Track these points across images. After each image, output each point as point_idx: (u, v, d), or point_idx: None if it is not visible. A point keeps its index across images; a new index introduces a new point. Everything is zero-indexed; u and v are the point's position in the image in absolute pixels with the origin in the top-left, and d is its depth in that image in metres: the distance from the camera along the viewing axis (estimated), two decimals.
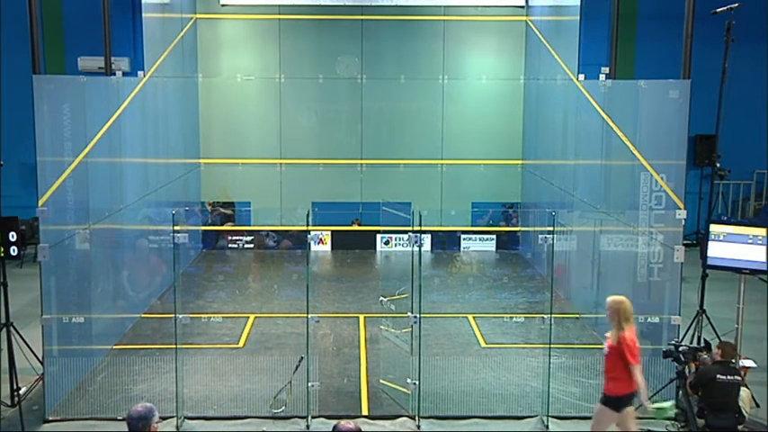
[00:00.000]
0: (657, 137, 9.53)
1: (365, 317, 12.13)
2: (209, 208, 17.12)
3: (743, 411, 8.25)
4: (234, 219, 17.56)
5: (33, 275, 8.95)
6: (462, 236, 17.26)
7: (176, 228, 8.47)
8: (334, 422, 5.41)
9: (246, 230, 17.34)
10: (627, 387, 6.92)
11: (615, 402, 7.04)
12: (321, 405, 8.68)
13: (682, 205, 8.92)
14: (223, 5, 17.13)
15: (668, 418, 7.59)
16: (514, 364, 10.12)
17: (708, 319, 9.61)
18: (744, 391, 8.40)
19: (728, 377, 8.09)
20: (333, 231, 17.12)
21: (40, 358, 8.92)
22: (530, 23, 16.73)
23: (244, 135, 17.58)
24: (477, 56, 17.60)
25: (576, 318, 12.03)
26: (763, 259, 8.91)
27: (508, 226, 17.57)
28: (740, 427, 8.20)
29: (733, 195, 18.16)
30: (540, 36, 15.54)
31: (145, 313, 12.19)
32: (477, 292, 13.95)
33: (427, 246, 16.78)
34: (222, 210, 17.33)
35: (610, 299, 7.21)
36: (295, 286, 13.72)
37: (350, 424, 5.32)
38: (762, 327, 10.24)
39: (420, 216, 8.57)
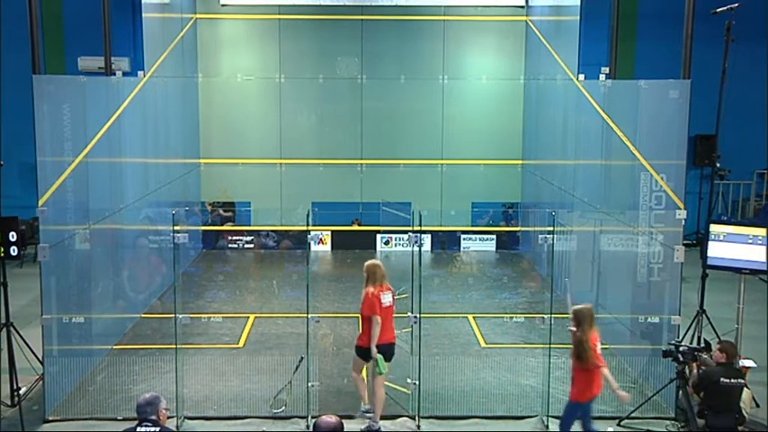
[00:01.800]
0: (657, 137, 9.52)
1: None
2: (209, 208, 17.12)
3: (743, 412, 8.24)
4: (234, 219, 17.56)
5: (33, 275, 8.96)
6: (462, 236, 17.26)
7: (176, 228, 8.47)
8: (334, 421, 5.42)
9: (246, 230, 17.35)
10: (368, 341, 8.22)
11: (360, 352, 8.36)
12: (321, 405, 8.68)
13: (682, 205, 8.92)
14: (223, 5, 17.12)
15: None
16: (514, 364, 10.12)
17: (708, 319, 9.61)
18: (744, 392, 8.38)
19: (732, 380, 8.05)
20: (333, 231, 17.12)
21: (40, 358, 8.92)
22: (530, 23, 16.73)
23: (244, 135, 17.58)
24: (477, 56, 17.59)
25: None
26: (763, 259, 8.91)
27: (508, 226, 17.57)
28: (740, 428, 8.19)
29: (733, 195, 18.15)
30: (540, 36, 15.54)
31: (145, 313, 12.19)
32: (477, 292, 13.94)
33: (427, 246, 16.77)
34: (222, 212, 17.32)
35: (367, 262, 8.47)
36: (295, 286, 13.72)
37: (331, 418, 5.36)
38: (762, 327, 10.24)
39: (420, 216, 8.57)
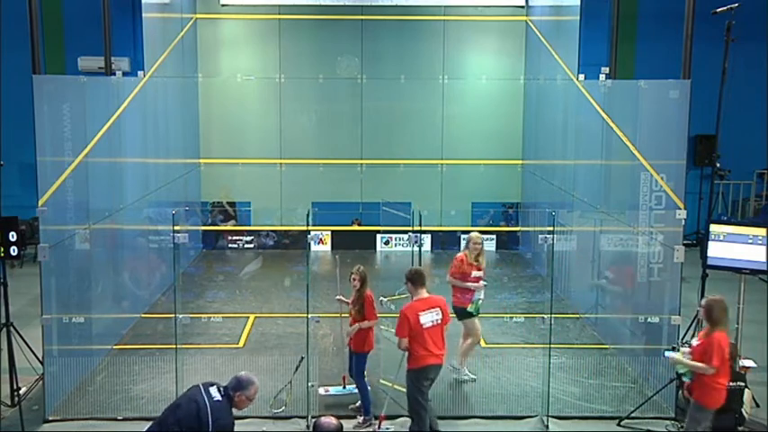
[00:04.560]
0: (657, 137, 9.52)
1: None
2: (210, 208, 17.14)
3: (743, 412, 8.22)
4: (236, 218, 17.57)
5: (33, 275, 8.95)
6: (462, 236, 17.19)
7: (176, 228, 8.47)
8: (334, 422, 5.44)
9: (246, 230, 17.36)
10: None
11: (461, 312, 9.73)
12: (321, 405, 8.67)
13: (682, 205, 8.92)
14: (223, 5, 17.12)
15: None
16: (514, 364, 10.12)
17: None
18: (744, 392, 8.37)
19: (731, 384, 8.00)
20: (333, 231, 17.13)
21: (40, 358, 8.92)
22: (530, 23, 16.73)
23: (244, 135, 17.57)
24: (477, 56, 17.59)
25: (576, 318, 12.03)
26: (763, 259, 8.90)
27: (508, 226, 17.57)
28: (740, 428, 8.18)
29: (733, 195, 18.15)
30: (540, 36, 15.54)
31: (145, 313, 12.19)
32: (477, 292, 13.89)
33: (427, 246, 16.77)
34: (228, 208, 17.32)
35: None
36: (295, 286, 13.72)
37: (331, 419, 5.39)
38: (762, 327, 10.23)
39: (420, 216, 8.58)
